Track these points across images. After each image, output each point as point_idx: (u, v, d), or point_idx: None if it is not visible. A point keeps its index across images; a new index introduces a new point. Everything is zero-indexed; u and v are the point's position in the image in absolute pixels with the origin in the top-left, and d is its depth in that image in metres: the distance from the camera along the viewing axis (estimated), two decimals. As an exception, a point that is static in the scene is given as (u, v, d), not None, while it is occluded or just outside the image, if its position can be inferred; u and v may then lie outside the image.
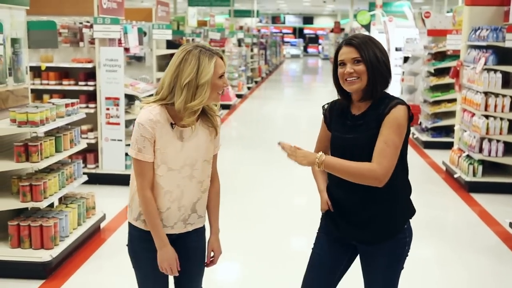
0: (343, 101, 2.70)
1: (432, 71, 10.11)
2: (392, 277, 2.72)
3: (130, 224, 2.71)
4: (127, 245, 2.73)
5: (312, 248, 2.86)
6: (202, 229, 2.81)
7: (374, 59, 2.52)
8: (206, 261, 2.81)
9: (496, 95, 6.84)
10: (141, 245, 2.67)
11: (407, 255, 2.74)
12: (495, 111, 6.83)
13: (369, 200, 2.58)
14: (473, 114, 7.17)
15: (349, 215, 2.66)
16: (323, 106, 2.82)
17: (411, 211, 2.74)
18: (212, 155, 2.72)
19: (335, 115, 2.72)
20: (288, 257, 4.95)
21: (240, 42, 18.43)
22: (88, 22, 6.84)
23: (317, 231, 2.87)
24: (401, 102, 2.52)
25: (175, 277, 2.78)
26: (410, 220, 2.75)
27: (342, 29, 34.79)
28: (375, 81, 2.53)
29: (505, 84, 6.88)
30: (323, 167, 2.52)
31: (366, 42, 2.54)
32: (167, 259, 2.61)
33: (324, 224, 2.83)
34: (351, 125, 2.62)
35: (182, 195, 2.62)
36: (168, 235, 2.64)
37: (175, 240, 2.69)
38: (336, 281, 2.85)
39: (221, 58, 2.56)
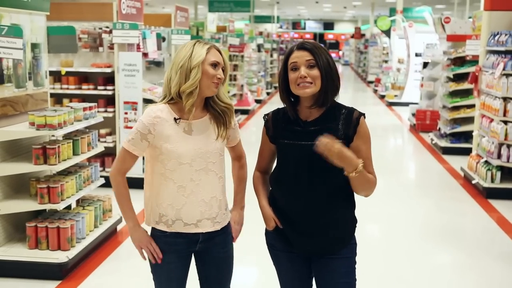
0: (289, 108, 2.58)
1: (451, 76, 10.04)
2: (352, 284, 2.62)
3: (152, 228, 2.71)
4: None
5: (275, 266, 2.77)
6: (228, 232, 2.78)
7: (327, 65, 2.47)
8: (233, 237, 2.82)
9: (515, 100, 6.78)
10: (160, 249, 2.67)
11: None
12: (514, 116, 6.76)
13: (331, 207, 2.53)
14: (492, 120, 7.10)
15: (304, 226, 2.54)
16: (263, 117, 2.70)
17: (356, 219, 2.69)
18: (224, 150, 2.71)
19: (281, 123, 2.61)
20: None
21: (259, 47, 18.48)
22: (107, 27, 6.94)
23: (268, 248, 2.76)
24: (360, 113, 2.55)
25: (205, 285, 2.81)
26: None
27: (363, 35, 34.63)
28: (327, 88, 2.48)
29: (525, 89, 6.81)
30: (358, 172, 2.38)
31: (318, 47, 2.49)
32: (139, 239, 2.65)
33: (274, 241, 2.70)
34: (302, 131, 2.53)
35: (198, 189, 2.60)
36: (193, 235, 2.63)
37: (203, 242, 2.66)
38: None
39: (218, 51, 2.60)
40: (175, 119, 2.57)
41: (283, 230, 2.62)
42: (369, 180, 2.49)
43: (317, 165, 2.48)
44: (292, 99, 2.59)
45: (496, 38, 7.10)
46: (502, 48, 6.87)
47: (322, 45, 2.55)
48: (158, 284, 2.75)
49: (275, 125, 2.64)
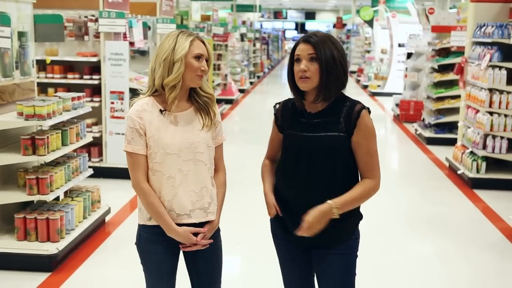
0: (297, 99, 2.59)
1: (436, 67, 10.11)
2: (350, 281, 2.62)
3: (139, 226, 2.69)
4: (135, 243, 2.72)
5: (277, 255, 2.80)
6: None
7: (330, 59, 2.43)
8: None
9: (501, 91, 6.84)
10: (148, 247, 2.66)
11: (357, 256, 2.66)
12: (499, 107, 6.83)
13: (325, 200, 2.48)
14: (477, 111, 7.17)
15: (300, 217, 2.52)
16: (274, 106, 2.74)
17: (361, 215, 2.65)
18: (212, 141, 2.68)
19: (289, 114, 2.63)
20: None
21: (242, 37, 18.42)
22: (93, 16, 6.85)
23: (272, 236, 2.78)
24: (363, 106, 2.50)
25: (195, 280, 2.78)
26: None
27: (344, 25, 34.68)
28: (329, 82, 2.45)
29: (510, 81, 6.87)
30: (339, 212, 2.45)
31: (324, 41, 2.45)
32: (182, 238, 2.59)
33: (276, 229, 2.73)
34: (306, 123, 2.54)
35: (187, 179, 2.59)
36: (186, 225, 2.60)
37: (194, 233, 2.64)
38: (312, 282, 2.79)
39: (202, 42, 2.58)
40: (161, 111, 2.57)
41: (283, 218, 2.63)
42: (356, 202, 2.51)
43: (318, 157, 2.50)
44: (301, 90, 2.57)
45: (483, 29, 7.14)
46: (489, 40, 6.92)
47: (331, 36, 2.51)
48: (148, 276, 2.74)
49: (283, 115, 2.66)
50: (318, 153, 2.50)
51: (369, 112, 2.52)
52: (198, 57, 2.55)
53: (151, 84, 2.60)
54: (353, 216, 2.60)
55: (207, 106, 2.65)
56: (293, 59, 2.52)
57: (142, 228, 2.67)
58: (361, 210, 2.67)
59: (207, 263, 2.75)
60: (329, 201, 2.44)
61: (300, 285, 2.77)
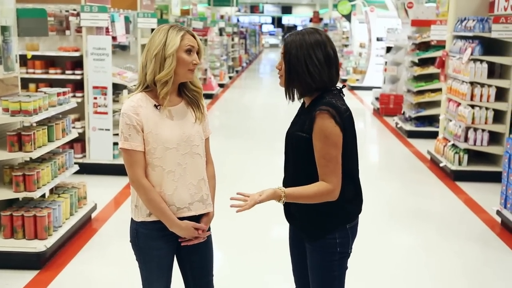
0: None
1: (416, 61, 10.20)
2: (327, 278, 2.60)
3: (136, 223, 2.65)
4: (131, 241, 2.69)
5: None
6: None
7: (294, 58, 2.46)
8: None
9: (482, 85, 6.93)
10: (149, 243, 2.64)
11: (343, 257, 2.62)
12: (480, 100, 6.93)
13: None
14: (459, 104, 7.26)
15: (287, 205, 2.64)
16: None
17: (349, 217, 2.62)
18: (203, 133, 2.70)
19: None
20: (274, 245, 4.95)
21: (221, 31, 18.36)
22: (74, 10, 6.75)
23: None
24: (323, 109, 2.40)
25: (189, 273, 2.77)
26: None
27: (321, 19, 34.75)
28: (291, 82, 2.50)
29: (491, 74, 6.98)
30: (286, 200, 2.48)
31: (294, 40, 2.47)
32: (185, 232, 2.61)
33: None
34: (295, 118, 2.64)
35: (185, 173, 2.60)
36: (186, 218, 2.61)
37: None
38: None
39: (193, 35, 2.58)
40: (155, 106, 2.56)
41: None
42: (304, 198, 2.49)
43: (290, 153, 2.61)
44: None
45: (464, 23, 7.23)
46: (470, 34, 7.00)
47: (309, 34, 2.48)
48: (147, 273, 2.71)
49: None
50: (290, 150, 2.61)
51: (334, 115, 2.41)
52: (189, 50, 2.54)
53: (142, 80, 2.58)
54: (328, 217, 2.55)
55: (197, 100, 2.68)
56: None
57: (140, 225, 2.64)
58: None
59: (200, 256, 2.76)
60: (281, 188, 2.51)
61: (297, 273, 2.82)
